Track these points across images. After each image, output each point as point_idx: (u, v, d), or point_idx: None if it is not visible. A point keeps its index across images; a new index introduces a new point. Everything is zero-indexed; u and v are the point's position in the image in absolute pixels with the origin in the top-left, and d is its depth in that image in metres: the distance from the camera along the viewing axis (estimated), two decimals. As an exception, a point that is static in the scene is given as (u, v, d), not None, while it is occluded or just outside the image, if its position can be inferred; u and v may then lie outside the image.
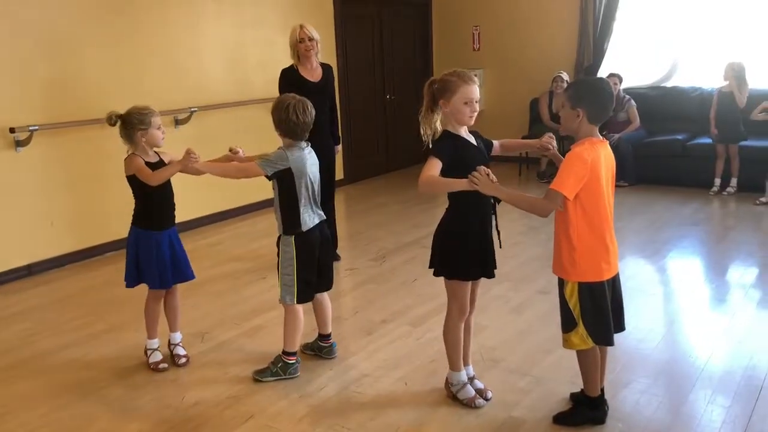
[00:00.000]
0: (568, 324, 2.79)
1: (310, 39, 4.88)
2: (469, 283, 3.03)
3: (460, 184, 2.77)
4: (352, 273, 5.01)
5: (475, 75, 3.04)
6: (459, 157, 2.86)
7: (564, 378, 3.21)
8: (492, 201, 2.94)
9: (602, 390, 2.92)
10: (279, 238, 3.35)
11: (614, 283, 2.82)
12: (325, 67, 5.05)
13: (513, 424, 2.92)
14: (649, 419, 2.92)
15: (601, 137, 2.75)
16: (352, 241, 5.85)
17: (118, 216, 5.63)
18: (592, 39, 8.26)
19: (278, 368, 3.39)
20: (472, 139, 2.97)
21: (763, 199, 6.44)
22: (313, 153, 3.40)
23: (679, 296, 4.53)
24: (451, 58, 9.11)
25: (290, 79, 4.89)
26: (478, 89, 2.89)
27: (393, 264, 5.15)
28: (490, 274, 3.04)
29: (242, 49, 6.64)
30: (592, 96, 2.71)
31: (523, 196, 2.82)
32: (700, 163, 7.07)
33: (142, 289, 3.59)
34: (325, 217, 3.47)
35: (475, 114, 2.88)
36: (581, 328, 2.75)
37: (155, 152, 3.47)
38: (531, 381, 3.27)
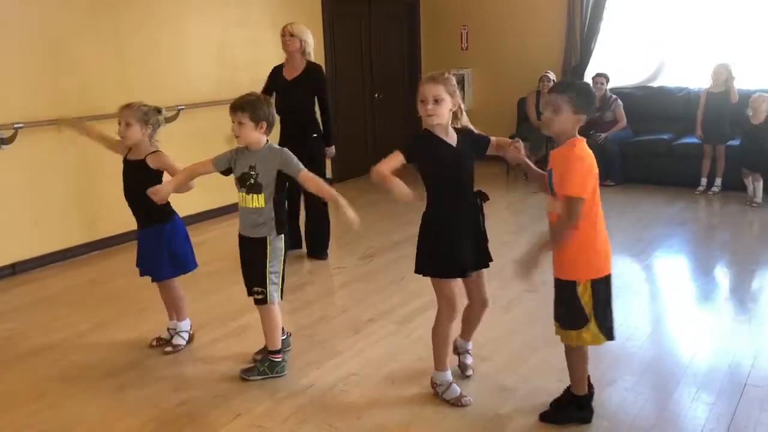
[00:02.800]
0: (576, 322, 2.76)
1: (291, 35, 4.93)
2: (454, 280, 3.04)
3: (392, 188, 2.81)
4: (340, 272, 5.00)
5: (463, 74, 3.06)
6: (428, 155, 2.92)
7: (551, 376, 3.22)
8: (474, 198, 2.98)
9: (590, 388, 2.94)
10: (263, 240, 3.28)
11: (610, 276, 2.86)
12: (310, 67, 5.04)
13: (500, 422, 2.93)
14: (635, 417, 2.93)
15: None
16: (340, 239, 5.85)
17: (102, 215, 5.63)
18: (580, 39, 8.30)
19: (265, 367, 3.38)
20: (452, 139, 2.97)
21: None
22: None
23: (664, 295, 4.57)
24: (439, 57, 9.12)
25: (271, 75, 5.05)
26: (440, 88, 2.88)
27: (381, 263, 5.15)
28: (470, 270, 3.04)
29: (229, 48, 6.61)
30: (593, 103, 2.75)
31: (550, 236, 2.73)
32: (686, 162, 7.12)
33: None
34: None
35: (432, 113, 2.88)
36: (593, 325, 2.76)
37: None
38: (518, 379, 3.28)
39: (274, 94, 4.97)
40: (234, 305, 4.32)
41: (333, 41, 7.93)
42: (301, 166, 3.28)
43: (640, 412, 2.97)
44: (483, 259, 3.10)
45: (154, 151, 3.53)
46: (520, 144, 2.99)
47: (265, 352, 3.43)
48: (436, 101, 2.87)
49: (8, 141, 4.99)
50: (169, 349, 3.66)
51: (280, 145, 3.43)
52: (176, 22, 6.16)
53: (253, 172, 3.23)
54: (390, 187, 2.84)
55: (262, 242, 3.29)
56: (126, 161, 3.60)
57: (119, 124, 3.49)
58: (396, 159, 2.89)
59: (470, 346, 3.40)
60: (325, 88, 5.10)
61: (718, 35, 7.50)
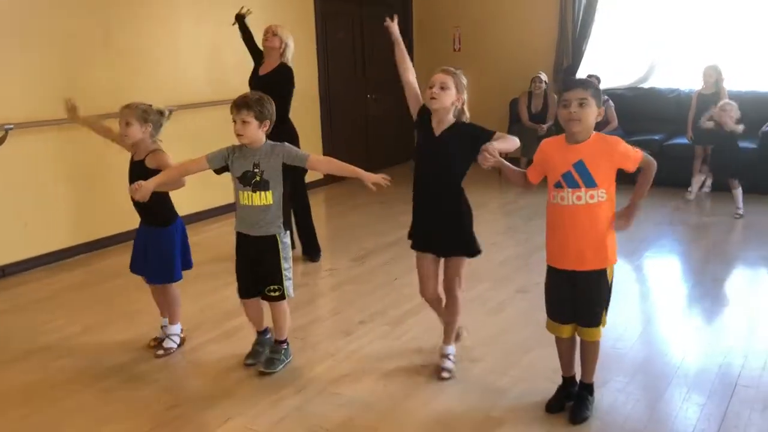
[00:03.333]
0: (598, 316, 2.83)
1: (274, 34, 5.02)
2: (422, 255, 3.27)
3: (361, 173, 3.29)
4: (332, 273, 4.99)
5: (456, 72, 3.18)
6: (417, 135, 3.25)
7: (542, 376, 3.22)
8: (444, 180, 3.16)
9: (572, 377, 3.00)
10: (273, 237, 3.30)
11: None
12: (281, 66, 5.05)
13: (492, 423, 2.93)
14: (626, 418, 2.94)
15: None
16: (333, 241, 5.84)
17: (93, 217, 5.61)
18: (571, 40, 8.32)
19: (282, 355, 3.47)
20: (440, 128, 3.17)
21: (739, 212, 6.20)
22: None
23: (655, 295, 4.58)
24: (431, 58, 9.09)
25: (255, 66, 5.19)
26: (448, 79, 3.19)
27: (373, 264, 5.14)
28: (429, 249, 3.25)
29: (221, 49, 6.58)
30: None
31: (642, 186, 2.88)
32: (677, 163, 7.14)
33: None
34: None
35: (436, 98, 3.14)
36: (605, 315, 2.85)
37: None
38: (510, 380, 3.28)
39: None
40: (225, 307, 4.30)
41: (326, 42, 7.92)
42: (306, 152, 3.35)
43: (631, 413, 2.97)
44: (453, 248, 3.22)
45: (153, 150, 3.52)
46: (492, 148, 2.89)
47: (272, 343, 3.54)
48: (442, 87, 3.12)
49: (-2, 142, 4.97)
50: (160, 352, 3.65)
51: None
52: (168, 23, 6.13)
53: (257, 170, 3.23)
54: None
55: (272, 240, 3.31)
56: (131, 161, 3.59)
57: (120, 124, 3.50)
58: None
59: (448, 350, 3.37)
60: (289, 90, 4.99)
61: (708, 37, 7.55)
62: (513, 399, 3.11)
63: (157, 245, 3.60)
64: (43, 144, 5.30)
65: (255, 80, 5.12)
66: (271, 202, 3.26)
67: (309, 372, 3.45)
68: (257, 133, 3.23)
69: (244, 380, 3.38)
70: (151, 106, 3.57)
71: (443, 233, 3.20)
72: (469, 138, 3.10)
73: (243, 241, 3.37)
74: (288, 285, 3.37)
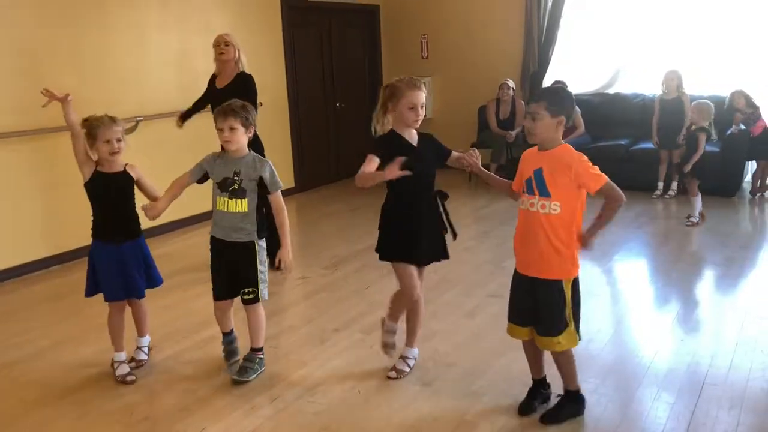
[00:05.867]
0: (559, 325, 2.81)
1: (227, 44, 4.97)
2: (410, 266, 3.23)
3: (381, 176, 2.98)
4: (304, 282, 4.98)
5: (424, 83, 3.16)
6: (393, 153, 3.00)
7: (517, 380, 3.25)
8: (433, 197, 3.18)
9: (541, 380, 3.05)
10: (250, 243, 3.33)
11: None
12: (240, 76, 5.02)
13: (466, 427, 2.95)
14: (598, 419, 2.98)
15: None
16: (304, 249, 5.83)
17: (63, 229, 5.52)
18: (537, 47, 8.43)
19: (256, 364, 3.46)
20: (413, 140, 3.17)
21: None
22: None
23: (625, 297, 4.65)
24: (400, 66, 9.17)
25: (208, 85, 5.07)
26: (423, 95, 3.08)
27: (345, 272, 5.14)
28: (419, 259, 3.25)
29: (189, 58, 6.55)
30: (568, 103, 2.82)
31: (602, 216, 2.85)
32: (643, 167, 7.27)
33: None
34: None
35: (420, 118, 3.10)
36: (572, 326, 2.83)
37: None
38: (483, 385, 3.30)
39: (209, 104, 5.05)
40: (196, 318, 4.27)
41: (294, 51, 7.92)
42: (280, 186, 3.36)
43: (603, 413, 3.02)
44: (437, 253, 3.28)
45: (126, 163, 3.46)
46: (476, 152, 3.11)
47: (249, 351, 3.51)
48: (422, 107, 3.10)
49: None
50: (132, 364, 3.60)
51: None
52: (135, 32, 6.08)
53: (237, 178, 3.27)
54: (379, 177, 3.00)
55: (249, 245, 3.34)
56: (103, 174, 3.39)
57: (109, 142, 3.32)
58: (373, 161, 3.05)
59: (409, 353, 3.46)
60: (253, 99, 4.87)
61: (671, 42, 7.71)
62: (487, 403, 3.13)
63: (142, 255, 3.54)
64: (14, 155, 5.21)
65: (214, 95, 4.94)
66: (247, 210, 3.29)
67: (283, 380, 3.43)
68: (243, 139, 3.29)
69: (217, 390, 3.36)
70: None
71: (437, 240, 3.26)
72: (435, 146, 3.26)
73: (218, 246, 3.39)
74: (263, 288, 3.39)
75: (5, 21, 5.13)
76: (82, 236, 5.62)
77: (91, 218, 3.47)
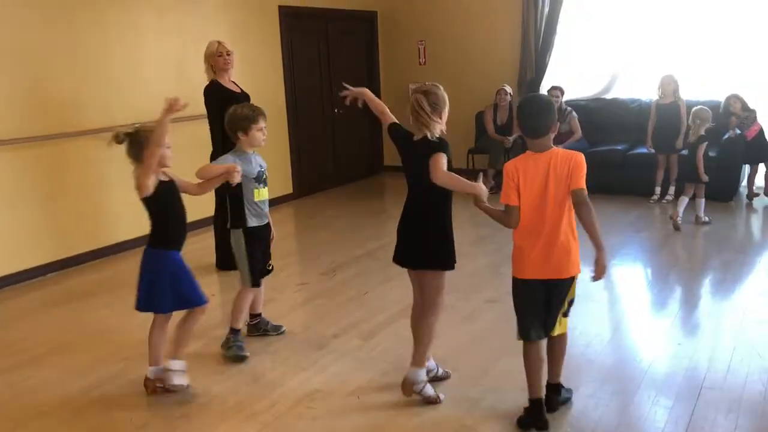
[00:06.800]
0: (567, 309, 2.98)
1: (228, 53, 5.02)
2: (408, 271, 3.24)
3: (472, 188, 2.99)
4: (303, 288, 4.98)
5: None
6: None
7: (514, 385, 3.25)
8: (426, 194, 3.07)
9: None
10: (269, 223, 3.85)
11: None
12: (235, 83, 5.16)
13: (465, 432, 2.95)
14: (596, 423, 2.99)
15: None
16: (303, 255, 5.83)
17: (60, 237, 5.52)
18: (534, 53, 8.45)
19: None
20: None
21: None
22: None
23: (622, 302, 4.66)
24: (398, 72, 9.21)
25: (220, 94, 4.96)
26: None
27: (344, 277, 5.15)
28: (399, 262, 3.21)
29: (187, 65, 6.54)
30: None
31: (594, 224, 2.86)
32: (640, 172, 7.29)
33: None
34: None
35: None
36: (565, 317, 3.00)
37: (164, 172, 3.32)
38: (482, 389, 3.31)
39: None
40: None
41: (292, 57, 7.94)
42: None
43: (601, 418, 3.02)
44: (411, 260, 3.18)
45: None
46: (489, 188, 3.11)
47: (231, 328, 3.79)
48: None
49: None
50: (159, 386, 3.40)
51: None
52: (133, 39, 6.08)
53: (263, 169, 3.74)
54: (466, 187, 3.01)
55: (269, 225, 3.84)
56: (163, 182, 3.29)
57: (169, 147, 3.32)
58: (446, 161, 2.99)
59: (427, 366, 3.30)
60: None
61: (667, 47, 7.73)
62: (486, 408, 3.14)
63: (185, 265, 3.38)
64: (10, 163, 5.21)
65: (237, 99, 4.89)
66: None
67: (282, 386, 3.43)
68: None
69: (216, 397, 3.36)
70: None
71: (416, 245, 3.19)
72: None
73: (258, 234, 3.75)
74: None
75: (2, 29, 5.14)
76: (80, 243, 5.68)
77: (152, 229, 3.31)
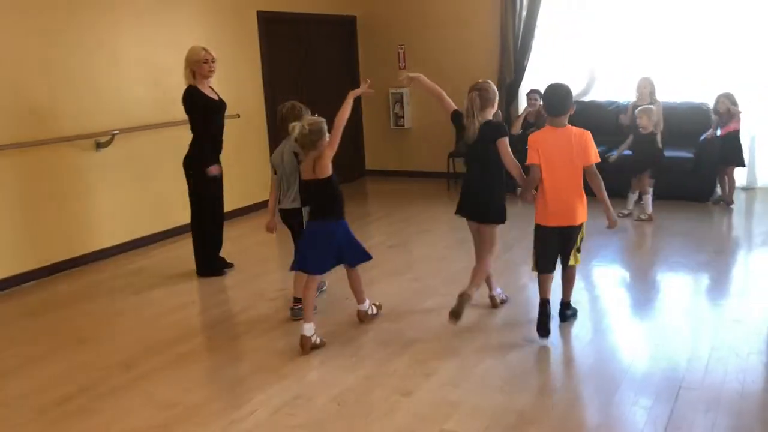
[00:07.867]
0: (572, 251, 3.90)
1: (213, 60, 5.06)
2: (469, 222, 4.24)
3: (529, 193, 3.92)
4: (282, 294, 4.96)
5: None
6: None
7: (494, 387, 3.26)
8: (477, 166, 4.20)
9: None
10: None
11: None
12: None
13: (446, 436, 2.95)
14: (577, 423, 3.00)
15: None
16: (286, 260, 5.79)
17: (39, 244, 5.46)
18: (513, 56, 8.50)
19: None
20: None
21: (624, 211, 6.70)
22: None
23: (602, 303, 4.69)
24: (377, 76, 9.20)
25: (201, 100, 5.03)
26: None
27: (327, 283, 5.12)
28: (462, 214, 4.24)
29: (164, 70, 6.49)
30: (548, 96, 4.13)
31: (603, 190, 3.89)
32: (618, 174, 7.33)
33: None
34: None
35: None
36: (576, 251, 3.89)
37: None
38: (462, 393, 3.31)
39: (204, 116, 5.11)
40: (173, 333, 4.23)
41: (270, 61, 7.91)
42: None
43: (582, 418, 3.04)
44: (475, 214, 4.16)
45: None
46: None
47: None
48: None
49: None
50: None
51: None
52: (109, 45, 6.03)
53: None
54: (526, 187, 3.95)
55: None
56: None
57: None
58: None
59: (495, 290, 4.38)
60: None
61: (644, 50, 7.81)
62: (466, 411, 3.14)
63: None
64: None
65: (216, 106, 5.18)
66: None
67: (261, 394, 3.41)
68: None
69: (194, 405, 3.33)
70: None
71: (478, 203, 4.24)
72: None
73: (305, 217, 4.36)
74: None
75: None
76: (59, 251, 5.61)
77: (333, 205, 4.06)
